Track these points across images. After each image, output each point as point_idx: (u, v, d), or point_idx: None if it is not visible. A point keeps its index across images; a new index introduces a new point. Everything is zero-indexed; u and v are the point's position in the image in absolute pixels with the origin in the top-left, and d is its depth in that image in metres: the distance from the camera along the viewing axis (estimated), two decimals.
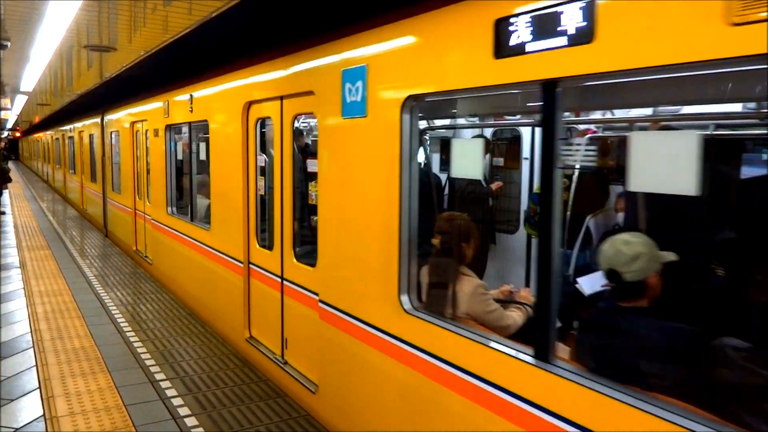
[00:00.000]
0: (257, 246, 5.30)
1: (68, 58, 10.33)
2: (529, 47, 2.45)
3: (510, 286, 3.61)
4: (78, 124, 16.21)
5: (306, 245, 4.85)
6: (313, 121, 6.87)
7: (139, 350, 5.69)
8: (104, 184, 12.55)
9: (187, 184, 7.48)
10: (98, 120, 12.87)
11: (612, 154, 5.62)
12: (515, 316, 3.21)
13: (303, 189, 4.98)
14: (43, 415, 4.28)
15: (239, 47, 5.50)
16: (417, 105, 3.19)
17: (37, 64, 11.88)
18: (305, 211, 5.80)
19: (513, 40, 2.52)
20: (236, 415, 4.37)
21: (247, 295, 5.49)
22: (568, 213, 5.06)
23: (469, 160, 2.90)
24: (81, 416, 4.26)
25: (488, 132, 6.83)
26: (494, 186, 6.45)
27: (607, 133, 5.22)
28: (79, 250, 11.01)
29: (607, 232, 5.22)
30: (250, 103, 5.24)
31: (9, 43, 8.38)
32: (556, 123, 2.42)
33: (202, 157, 6.89)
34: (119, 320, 6.63)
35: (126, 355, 5.53)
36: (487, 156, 6.69)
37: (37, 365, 5.21)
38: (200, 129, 7.08)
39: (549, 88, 2.41)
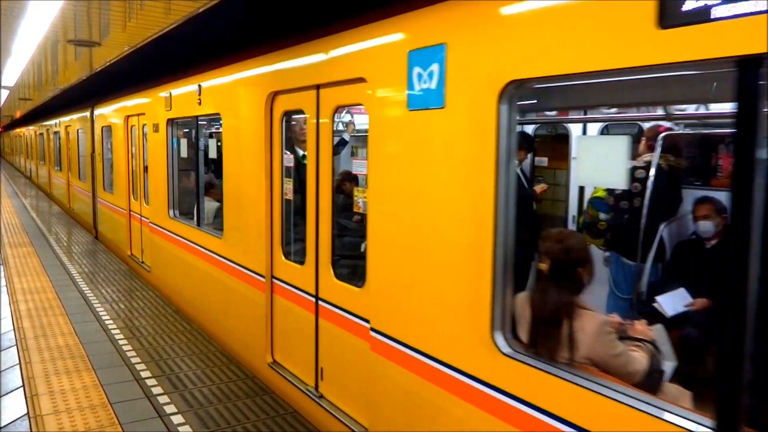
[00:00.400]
0: (282, 259, 4.60)
1: (54, 50, 9.57)
2: (716, 12, 1.80)
3: (617, 317, 2.96)
4: (64, 119, 15.30)
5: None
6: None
7: (125, 348, 5.55)
8: (94, 182, 11.71)
9: (192, 185, 6.74)
10: (87, 114, 12.02)
11: (687, 153, 5.02)
12: (640, 359, 2.57)
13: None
14: (27, 413, 4.16)
15: (262, 28, 4.78)
16: (519, 93, 2.53)
17: (19, 57, 11.23)
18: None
19: (690, 4, 1.86)
20: (223, 412, 4.31)
21: (270, 314, 4.79)
22: (643, 221, 4.46)
23: (606, 163, 2.24)
24: (66, 414, 4.15)
25: (529, 128, 6.19)
26: (538, 189, 5.82)
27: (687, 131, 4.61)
28: (62, 247, 10.67)
29: (682, 243, 4.61)
30: (275, 94, 4.54)
31: None
32: (760, 116, 1.77)
33: (212, 154, 6.17)
34: (104, 318, 6.45)
35: (111, 353, 5.39)
36: (529, 155, 6.06)
37: (20, 363, 5.05)
38: (210, 123, 6.37)
39: (750, 67, 1.76)
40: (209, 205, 6.49)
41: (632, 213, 4.56)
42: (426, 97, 2.92)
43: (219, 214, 6.33)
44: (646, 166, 4.50)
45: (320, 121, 4.01)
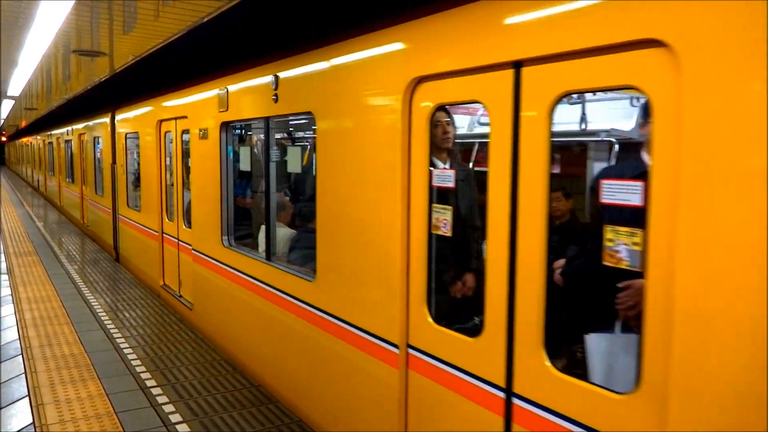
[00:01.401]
0: (429, 322, 3.14)
1: (66, 55, 8.26)
2: None
3: None
4: (78, 126, 13.89)
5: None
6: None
7: (130, 357, 5.50)
8: (115, 197, 10.28)
9: (256, 206, 5.29)
10: (107, 119, 10.61)
11: None
12: None
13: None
14: (33, 423, 4.13)
15: None
16: None
17: (25, 67, 10.10)
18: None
19: None
20: (228, 421, 4.28)
21: (404, 399, 3.32)
22: None
23: None
24: (71, 424, 4.14)
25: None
26: None
27: None
28: (66, 256, 10.60)
29: None
30: (419, 81, 3.09)
31: None
32: None
33: (293, 167, 4.71)
34: (109, 326, 6.43)
35: (116, 362, 5.36)
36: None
37: (26, 372, 5.04)
38: (283, 127, 4.93)
39: None
40: (281, 232, 5.03)
41: None
42: None
43: (296, 245, 4.89)
44: None
45: (523, 117, 2.55)
